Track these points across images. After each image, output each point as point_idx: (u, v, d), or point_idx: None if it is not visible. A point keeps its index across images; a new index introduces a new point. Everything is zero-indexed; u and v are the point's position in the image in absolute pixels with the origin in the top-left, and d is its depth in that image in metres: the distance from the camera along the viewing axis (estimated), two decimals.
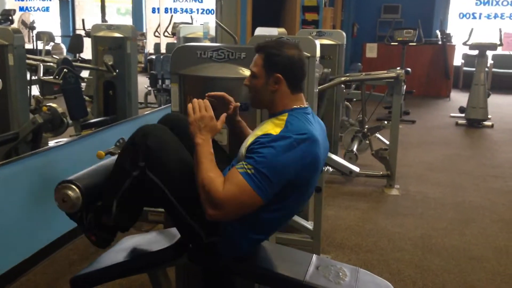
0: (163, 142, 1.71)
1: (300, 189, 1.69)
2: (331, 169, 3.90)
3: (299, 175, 1.63)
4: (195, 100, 1.71)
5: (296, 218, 2.94)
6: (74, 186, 1.68)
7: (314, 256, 1.90)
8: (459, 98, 9.21)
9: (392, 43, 8.37)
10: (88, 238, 1.82)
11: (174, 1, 10.81)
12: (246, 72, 1.98)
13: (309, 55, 2.90)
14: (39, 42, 7.46)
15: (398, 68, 4.54)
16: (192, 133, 1.66)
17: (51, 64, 4.68)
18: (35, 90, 4.72)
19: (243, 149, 1.69)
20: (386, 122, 4.73)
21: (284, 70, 1.71)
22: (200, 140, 1.65)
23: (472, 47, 7.20)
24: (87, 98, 4.92)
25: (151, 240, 1.99)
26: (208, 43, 4.14)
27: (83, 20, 7.71)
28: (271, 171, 1.56)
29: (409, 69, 6.70)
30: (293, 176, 1.61)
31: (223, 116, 1.74)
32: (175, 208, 1.70)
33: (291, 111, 1.72)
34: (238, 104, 1.89)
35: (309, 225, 2.99)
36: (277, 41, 1.78)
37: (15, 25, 8.12)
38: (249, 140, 1.68)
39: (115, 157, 1.90)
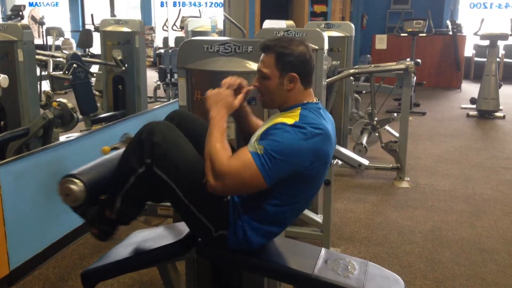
0: (169, 139, 1.72)
1: (309, 182, 1.70)
2: (340, 162, 3.89)
3: (308, 167, 1.63)
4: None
5: (306, 211, 2.94)
6: (77, 180, 1.70)
7: (323, 250, 1.90)
8: (470, 89, 9.12)
9: (401, 34, 8.30)
10: (90, 230, 1.84)
11: None
12: (253, 66, 1.98)
13: (317, 47, 2.89)
14: (48, 37, 7.51)
15: (408, 59, 4.50)
16: (208, 107, 1.69)
17: (61, 59, 4.71)
18: (45, 86, 4.76)
19: (253, 138, 1.69)
20: (395, 114, 4.70)
21: (298, 68, 1.70)
22: (214, 113, 1.67)
23: (483, 37, 7.12)
24: (96, 93, 4.96)
25: (160, 234, 2.00)
26: (215, 37, 4.13)
27: (92, 15, 7.75)
28: (281, 156, 1.56)
29: (419, 60, 6.69)
30: (302, 168, 1.62)
31: (241, 95, 1.74)
32: (183, 203, 1.71)
33: (303, 105, 1.72)
34: (251, 87, 1.82)
35: (318, 218, 2.99)
36: (284, 38, 1.74)
37: (25, 21, 8.18)
38: (261, 130, 1.68)
39: (120, 151, 1.91)
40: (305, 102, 1.73)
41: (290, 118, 1.65)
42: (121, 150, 1.90)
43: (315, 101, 1.76)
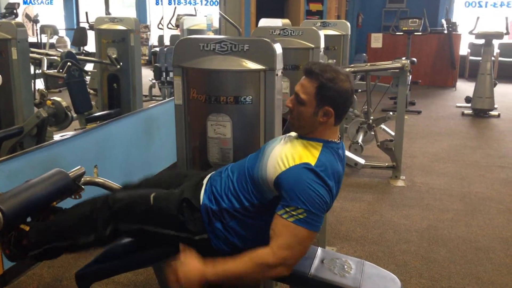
0: (124, 199, 1.81)
1: None
2: None
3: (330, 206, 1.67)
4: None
5: None
6: None
7: (319, 249, 1.90)
8: (465, 87, 9.15)
9: (397, 33, 8.31)
10: (3, 250, 1.84)
11: None
12: (249, 65, 1.97)
13: (313, 46, 2.89)
14: (43, 35, 7.46)
15: (404, 58, 4.50)
16: (194, 280, 1.59)
17: (55, 57, 4.67)
18: (39, 84, 4.72)
19: (271, 162, 1.65)
20: (391, 113, 4.70)
21: (337, 105, 1.66)
22: (206, 274, 1.58)
23: (478, 36, 7.13)
24: (91, 91, 4.92)
25: None
26: (211, 35, 4.12)
27: (86, 13, 7.71)
28: (319, 209, 1.58)
29: (414, 59, 6.69)
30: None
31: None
32: (153, 233, 1.76)
33: (326, 143, 1.69)
34: None
35: None
36: (331, 69, 1.67)
37: (19, 19, 8.13)
38: (277, 158, 1.64)
39: (42, 178, 1.90)
40: (329, 140, 1.70)
41: (311, 155, 1.63)
42: (43, 178, 1.90)
43: (337, 140, 1.73)
